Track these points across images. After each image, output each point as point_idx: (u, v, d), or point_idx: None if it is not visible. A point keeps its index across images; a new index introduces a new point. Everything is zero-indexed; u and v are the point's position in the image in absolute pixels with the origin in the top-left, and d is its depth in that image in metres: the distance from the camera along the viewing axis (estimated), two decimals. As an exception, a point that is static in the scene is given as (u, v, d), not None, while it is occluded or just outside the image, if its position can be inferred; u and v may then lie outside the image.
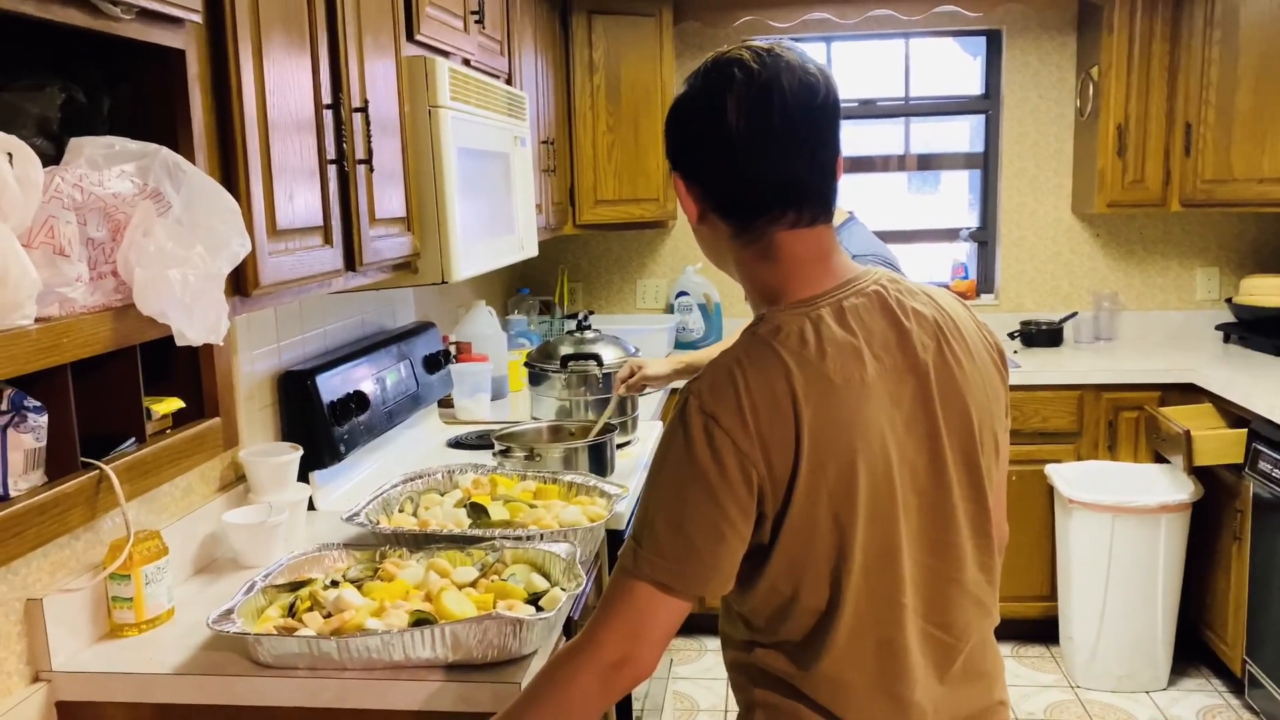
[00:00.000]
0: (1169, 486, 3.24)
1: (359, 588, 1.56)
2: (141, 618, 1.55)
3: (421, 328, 2.85)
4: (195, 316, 1.14)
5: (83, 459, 1.07)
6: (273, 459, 1.93)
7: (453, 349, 3.14)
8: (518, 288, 4.11)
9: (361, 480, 2.30)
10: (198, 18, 1.21)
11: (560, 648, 1.17)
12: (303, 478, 2.06)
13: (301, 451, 1.98)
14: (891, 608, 1.11)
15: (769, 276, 1.14)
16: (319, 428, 2.11)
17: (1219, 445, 3.06)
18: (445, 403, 3.01)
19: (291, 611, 1.49)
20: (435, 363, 2.76)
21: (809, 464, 1.05)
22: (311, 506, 2.11)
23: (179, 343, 1.14)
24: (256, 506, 1.87)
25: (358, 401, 2.22)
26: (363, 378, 2.32)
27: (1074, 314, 3.94)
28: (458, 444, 2.70)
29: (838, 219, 2.01)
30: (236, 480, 1.97)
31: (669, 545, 1.07)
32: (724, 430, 1.04)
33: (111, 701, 1.43)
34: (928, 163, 4.27)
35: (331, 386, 2.17)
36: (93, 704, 1.43)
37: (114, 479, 1.06)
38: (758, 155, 1.08)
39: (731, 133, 1.07)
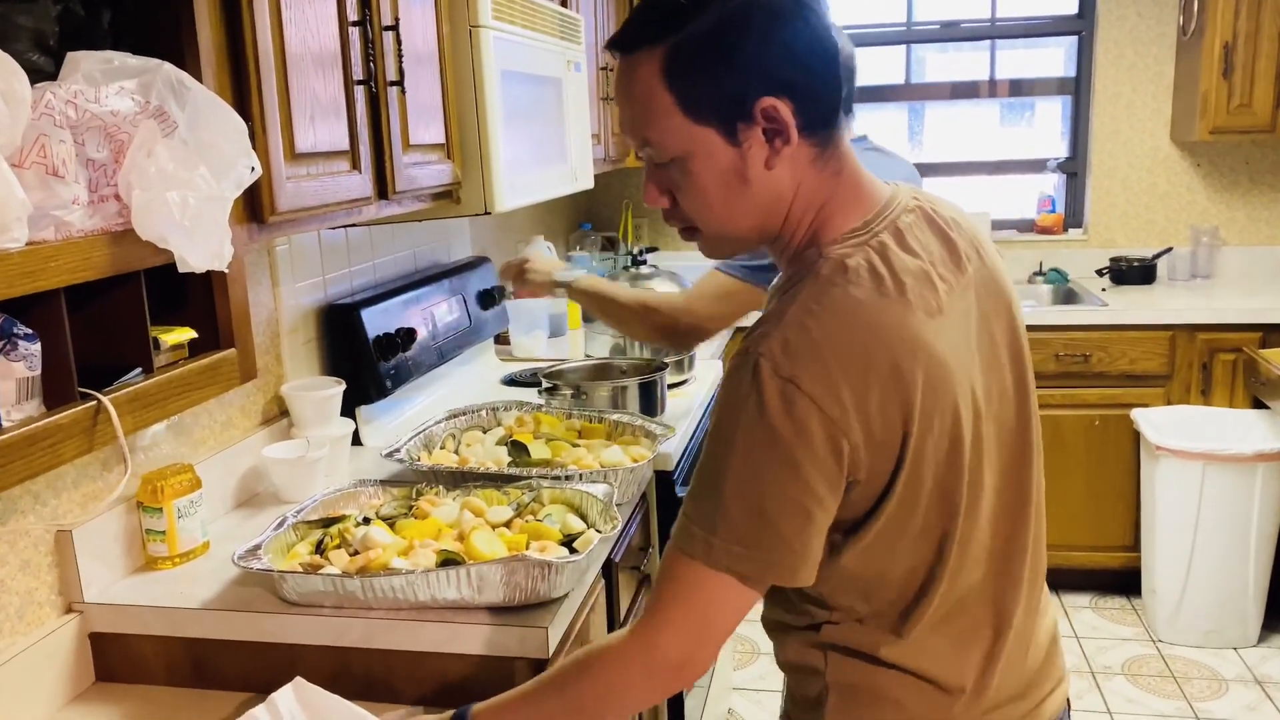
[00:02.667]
0: (1267, 433, 3.04)
1: (392, 525, 1.52)
2: (175, 551, 1.53)
3: (477, 262, 2.79)
4: (197, 241, 1.09)
5: (80, 389, 1.03)
6: (315, 393, 1.90)
7: (509, 284, 3.08)
8: (580, 223, 4.03)
9: (411, 415, 2.27)
10: (200, -77, 1.14)
11: (604, 641, 1.03)
12: (350, 413, 2.03)
13: (344, 386, 1.95)
14: (982, 554, 1.02)
15: (830, 198, 0.99)
16: (364, 363, 2.08)
17: (1324, 390, 2.85)
18: (502, 339, 2.96)
19: (320, 549, 1.46)
20: (490, 298, 2.71)
21: (920, 422, 0.92)
22: (359, 441, 2.09)
23: (181, 269, 1.09)
24: (296, 441, 1.84)
25: (405, 337, 2.17)
26: (412, 313, 2.28)
27: (1169, 249, 3.70)
28: (512, 381, 2.66)
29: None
30: (280, 414, 1.95)
31: (748, 531, 0.93)
32: (807, 396, 0.89)
33: (143, 634, 1.42)
34: (1017, 89, 4.02)
35: (378, 321, 2.13)
36: (124, 636, 1.42)
37: (111, 410, 1.02)
38: (835, 46, 0.97)
39: (818, 24, 0.95)
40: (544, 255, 2.27)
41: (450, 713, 1.10)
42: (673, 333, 1.92)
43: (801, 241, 1.01)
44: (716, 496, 0.94)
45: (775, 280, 1.06)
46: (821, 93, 0.96)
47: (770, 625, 1.15)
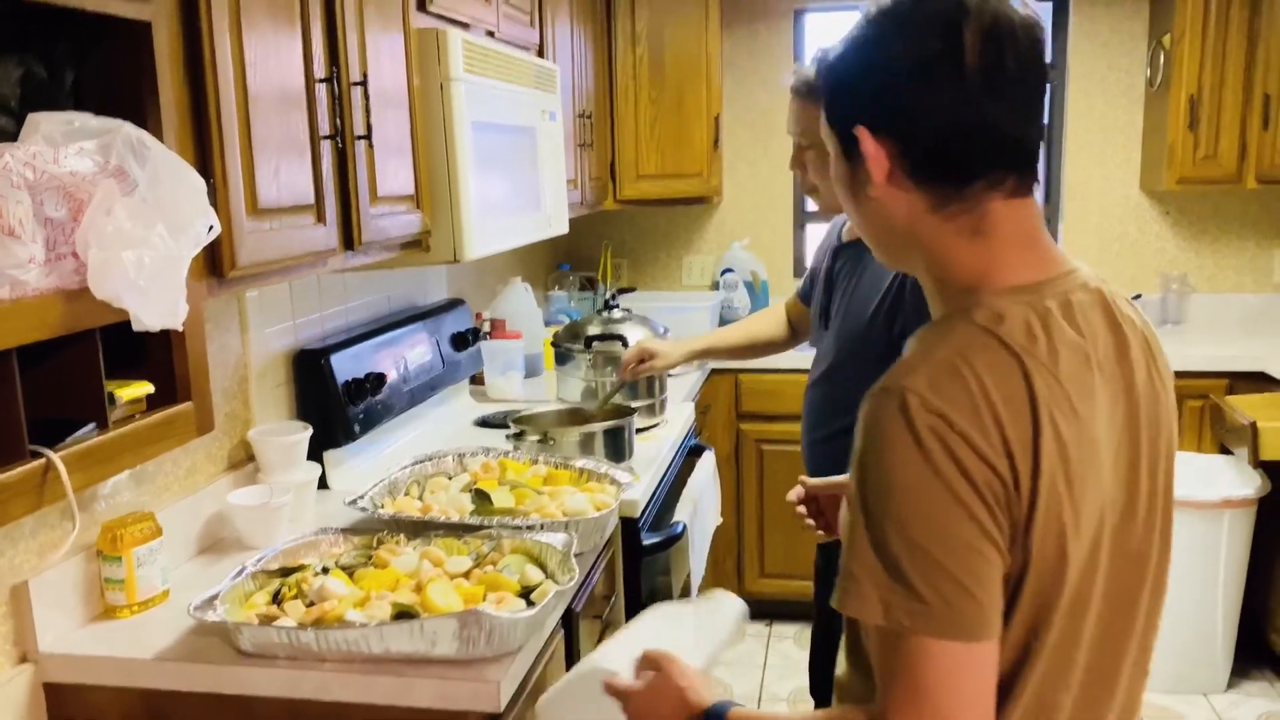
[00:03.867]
0: (1233, 480, 3.06)
1: (351, 575, 1.53)
2: (133, 599, 1.53)
3: (452, 304, 2.81)
4: (152, 300, 1.10)
5: (31, 446, 1.04)
6: (281, 439, 1.91)
7: (486, 325, 3.10)
8: (559, 263, 4.06)
9: (382, 458, 2.28)
10: (165, -11, 1.17)
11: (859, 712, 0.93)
12: (317, 456, 2.04)
13: (310, 431, 1.96)
14: (1074, 676, 0.94)
15: (971, 259, 0.93)
16: (333, 407, 2.09)
17: (1288, 439, 2.88)
18: (478, 379, 2.97)
19: (277, 599, 1.47)
20: (464, 340, 2.72)
21: (1048, 488, 0.86)
22: (327, 486, 2.10)
23: (135, 327, 1.10)
24: (261, 487, 1.85)
25: (375, 381, 2.19)
26: (383, 356, 2.29)
27: (1139, 296, 3.74)
28: (485, 423, 2.67)
29: None
30: (246, 459, 1.96)
31: (923, 581, 0.84)
32: (959, 434, 0.84)
33: (98, 685, 1.42)
34: (988, 136, 4.10)
35: (347, 366, 2.14)
36: (80, 686, 1.42)
37: (61, 468, 1.03)
38: (993, 100, 0.88)
39: (965, 71, 0.87)
40: (658, 341, 2.45)
41: (710, 704, 1.05)
42: (783, 346, 2.38)
43: (957, 287, 0.95)
44: (882, 548, 0.85)
45: (920, 329, 0.99)
46: (937, 145, 0.91)
47: (844, 689, 1.07)
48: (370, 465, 2.23)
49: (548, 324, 3.45)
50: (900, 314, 1.73)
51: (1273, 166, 3.29)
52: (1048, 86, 0.94)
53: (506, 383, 2.96)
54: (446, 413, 2.70)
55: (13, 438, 1.02)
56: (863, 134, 0.92)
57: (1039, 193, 0.95)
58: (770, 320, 2.38)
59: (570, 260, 4.11)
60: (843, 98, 0.95)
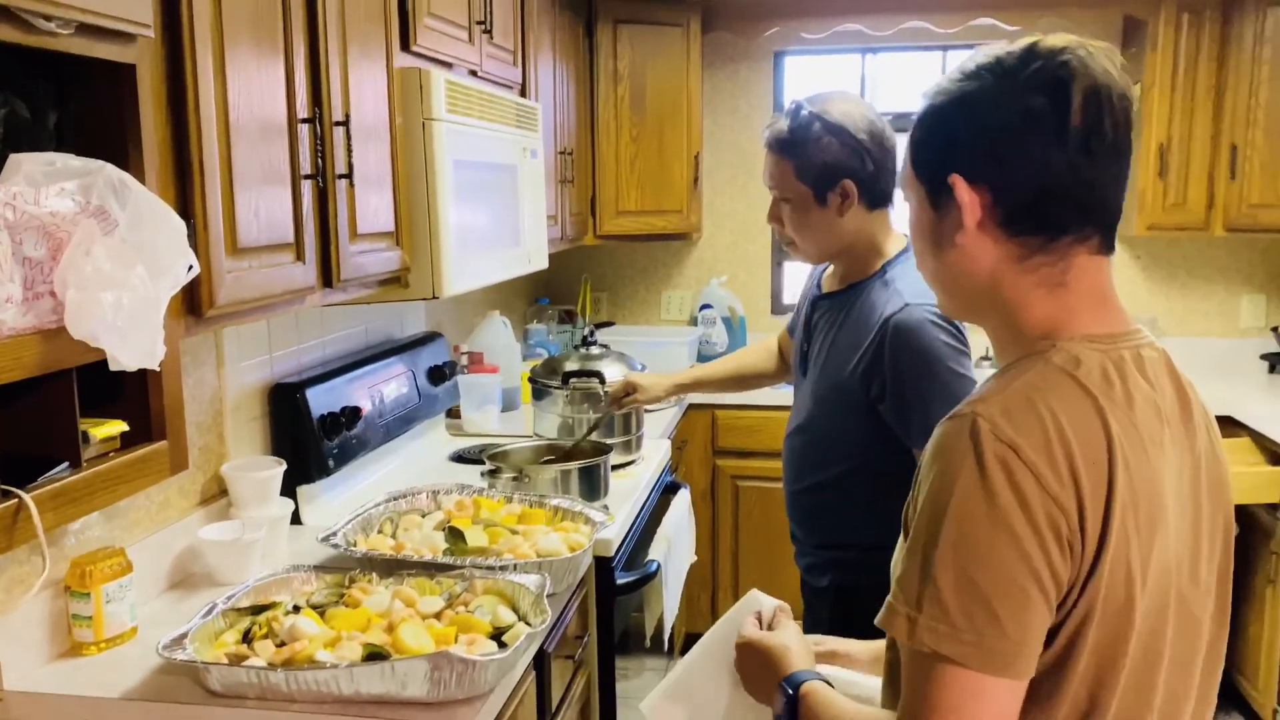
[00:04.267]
0: (1202, 524, 3.10)
1: (323, 613, 1.52)
2: (101, 636, 1.52)
3: (429, 338, 2.82)
4: (130, 340, 1.11)
5: (2, 486, 1.04)
6: (254, 474, 1.90)
7: (463, 359, 3.11)
8: (537, 297, 4.08)
9: (356, 493, 2.27)
10: (150, 32, 1.18)
11: None
12: (290, 492, 2.03)
13: (284, 467, 1.95)
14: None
15: (1048, 310, 0.95)
16: (308, 442, 2.09)
17: (1255, 483, 2.92)
18: (454, 413, 2.97)
19: (247, 638, 1.46)
20: (440, 374, 2.73)
21: (1118, 531, 0.85)
22: (300, 521, 2.09)
23: (112, 367, 1.10)
24: (233, 523, 1.84)
25: (350, 415, 2.19)
26: (358, 390, 2.29)
27: (1110, 339, 3.80)
28: (460, 458, 2.67)
29: (895, 247, 1.83)
30: (219, 494, 1.95)
31: (958, 607, 0.84)
32: (1027, 465, 0.83)
33: (62, 723, 1.40)
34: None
35: (323, 400, 2.14)
36: (43, 725, 1.41)
37: (33, 508, 1.03)
38: (1089, 160, 0.91)
39: (1068, 132, 0.90)
40: (643, 375, 2.47)
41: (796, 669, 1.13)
42: (774, 378, 2.37)
43: (1031, 335, 0.96)
44: (926, 567, 0.86)
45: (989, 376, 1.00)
46: (1034, 199, 0.93)
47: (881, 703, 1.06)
48: (344, 500, 2.22)
49: (525, 358, 3.46)
50: (878, 376, 1.70)
51: (1239, 215, 3.36)
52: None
53: (483, 417, 2.96)
54: (422, 447, 2.69)
55: (-16, 477, 1.02)
56: (958, 182, 0.94)
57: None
58: (761, 352, 2.37)
59: (549, 294, 4.12)
60: (937, 146, 0.97)
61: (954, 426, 0.88)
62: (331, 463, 2.13)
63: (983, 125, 0.93)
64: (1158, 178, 3.44)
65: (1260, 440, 3.06)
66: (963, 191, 0.94)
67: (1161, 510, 0.89)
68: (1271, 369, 3.66)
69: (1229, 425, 3.21)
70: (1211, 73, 3.37)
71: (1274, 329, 3.63)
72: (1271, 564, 2.90)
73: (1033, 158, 0.91)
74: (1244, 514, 3.05)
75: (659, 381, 2.39)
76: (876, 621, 0.91)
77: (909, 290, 1.71)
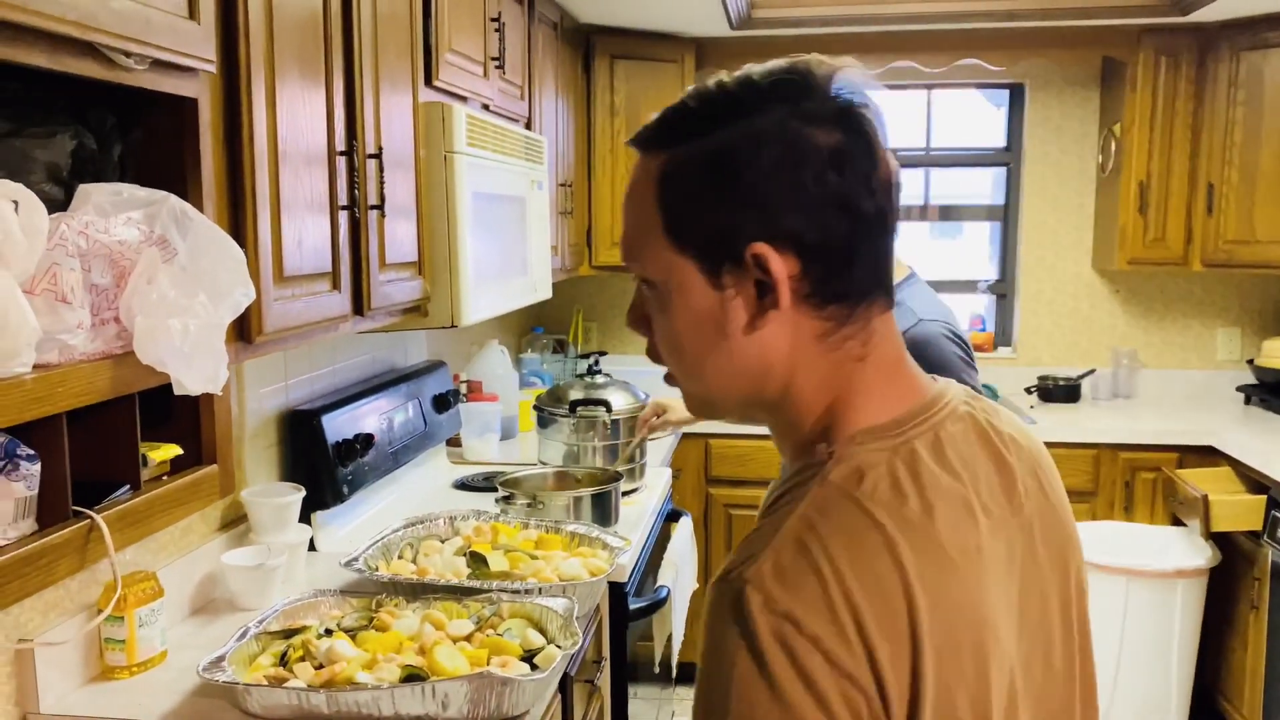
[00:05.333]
0: (1186, 551, 3.18)
1: (353, 637, 1.54)
2: (133, 660, 1.53)
3: (432, 366, 2.85)
4: (194, 366, 1.14)
5: (74, 508, 1.06)
6: (274, 500, 1.92)
7: (463, 388, 3.13)
8: (532, 326, 4.11)
9: (365, 520, 2.29)
10: (212, 67, 1.22)
11: None
12: (305, 518, 2.05)
13: (303, 493, 1.97)
14: None
15: (832, 395, 0.79)
16: (323, 468, 2.10)
17: (1237, 511, 3.00)
18: (454, 441, 2.99)
19: (283, 660, 1.48)
20: (444, 402, 2.76)
21: (934, 682, 0.70)
22: (313, 547, 2.10)
23: (177, 391, 1.13)
24: (255, 548, 1.86)
25: (364, 442, 2.21)
26: (370, 417, 2.32)
27: (1092, 370, 3.90)
28: (463, 485, 2.69)
29: (898, 274, 1.83)
30: (238, 519, 1.96)
31: None
32: (809, 640, 0.68)
33: (98, 747, 1.41)
34: (949, 213, 4.28)
35: (338, 426, 2.16)
36: (78, 748, 1.41)
37: (104, 529, 1.05)
38: (891, 204, 0.78)
39: (877, 173, 0.76)
40: (670, 398, 2.46)
41: None
42: None
43: (811, 430, 0.80)
44: None
45: (773, 484, 0.86)
46: (839, 255, 0.76)
47: None
48: (355, 527, 2.24)
49: (520, 387, 3.49)
50: None
51: (1216, 251, 3.47)
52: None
53: (484, 445, 2.98)
54: (424, 474, 2.71)
55: (58, 499, 1.04)
56: (765, 252, 0.75)
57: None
58: None
59: (542, 323, 4.16)
60: (714, 210, 0.77)
61: (723, 593, 0.72)
62: (346, 489, 2.15)
63: (790, 174, 0.75)
64: (1138, 213, 3.55)
65: (1239, 469, 3.15)
66: (776, 263, 0.75)
67: (990, 630, 0.75)
68: (1247, 400, 3.77)
69: (1210, 454, 3.30)
70: (1189, 112, 3.50)
71: (1249, 361, 3.74)
72: (1254, 590, 2.98)
73: (849, 207, 0.75)
74: (1227, 541, 3.13)
75: (682, 406, 2.42)
76: None
77: (921, 307, 1.80)
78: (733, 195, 0.75)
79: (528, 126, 2.76)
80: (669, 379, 0.87)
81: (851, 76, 0.76)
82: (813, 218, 0.75)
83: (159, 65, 1.13)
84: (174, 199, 1.18)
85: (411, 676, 1.40)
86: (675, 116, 0.79)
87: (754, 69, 0.78)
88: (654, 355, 0.86)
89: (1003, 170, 4.12)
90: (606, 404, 2.60)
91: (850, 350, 0.79)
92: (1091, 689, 0.88)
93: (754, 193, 0.75)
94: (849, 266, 0.77)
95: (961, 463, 0.78)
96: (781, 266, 0.75)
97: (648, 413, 2.41)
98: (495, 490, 2.25)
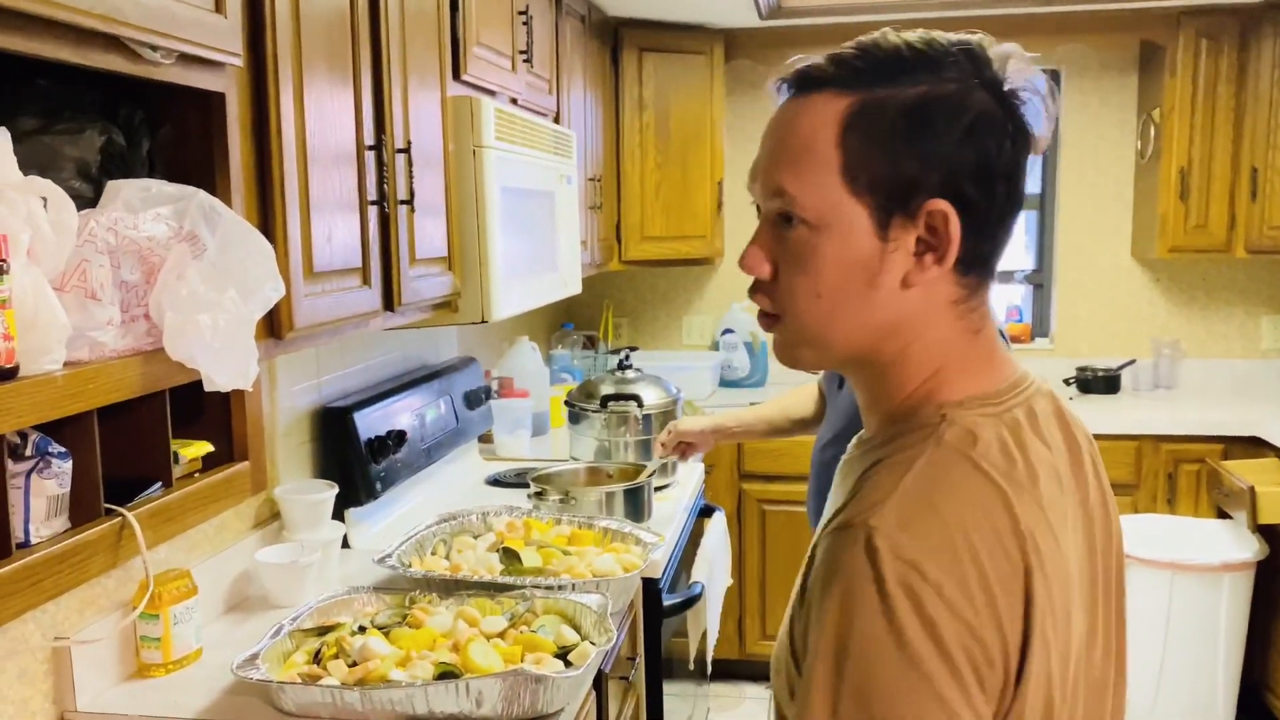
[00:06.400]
0: (1232, 544, 3.11)
1: (387, 634, 1.53)
2: (169, 658, 1.53)
3: (463, 363, 2.84)
4: (224, 361, 1.13)
5: (106, 505, 1.05)
6: (307, 497, 1.92)
7: (494, 384, 3.13)
8: (562, 322, 4.10)
9: (398, 517, 2.28)
10: (239, 61, 1.21)
11: None
12: (338, 514, 2.05)
13: (336, 490, 1.97)
14: None
15: (961, 357, 0.82)
16: (356, 465, 2.10)
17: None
18: (485, 438, 2.99)
19: (317, 658, 1.47)
20: (476, 398, 2.75)
21: (1040, 637, 0.73)
22: (346, 544, 2.10)
23: (207, 388, 1.12)
24: (289, 545, 1.86)
25: (396, 439, 2.21)
26: (402, 414, 2.31)
27: (1132, 361, 3.82)
28: (496, 481, 2.68)
29: None
30: (271, 517, 1.96)
31: None
32: (933, 587, 0.70)
33: (134, 744, 1.41)
34: (982, 203, 4.22)
35: (370, 423, 2.16)
36: (116, 746, 1.42)
37: (136, 526, 1.05)
38: (1022, 193, 0.82)
39: (1021, 159, 0.80)
40: (688, 421, 2.45)
41: None
42: (816, 424, 2.22)
43: (911, 396, 0.82)
44: (827, 713, 0.71)
45: (860, 436, 0.89)
46: (993, 227, 0.80)
47: None
48: (389, 524, 2.24)
49: (551, 383, 3.48)
50: None
51: (1260, 237, 3.39)
52: None
53: (515, 441, 2.98)
54: (457, 471, 2.71)
55: (89, 497, 1.04)
56: (942, 207, 0.77)
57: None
58: (802, 396, 2.34)
59: (572, 319, 4.15)
60: (904, 161, 0.79)
61: (846, 541, 0.74)
62: (379, 486, 2.14)
63: (967, 138, 0.77)
64: (1179, 200, 3.48)
65: (1288, 460, 3.08)
66: (954, 223, 0.77)
67: (1072, 598, 0.78)
68: (1293, 389, 3.69)
69: (1255, 445, 3.23)
70: (1230, 95, 3.42)
71: (1295, 350, 3.66)
72: (1303, 583, 2.91)
73: (1009, 188, 0.79)
74: (1274, 534, 3.06)
75: (695, 423, 2.40)
76: None
77: None
78: (925, 148, 0.77)
79: (556, 120, 2.75)
80: (767, 321, 0.86)
81: (1018, 58, 0.79)
82: (986, 186, 0.78)
83: (185, 59, 1.12)
84: (202, 194, 1.18)
85: (445, 674, 1.39)
86: (866, 61, 0.80)
87: (935, 33, 0.80)
88: (765, 294, 0.85)
89: (1038, 159, 4.04)
90: (638, 399, 2.58)
91: (972, 321, 0.82)
92: (1123, 674, 0.90)
93: (944, 150, 0.77)
94: (995, 239, 0.81)
95: (1050, 436, 0.82)
96: (957, 226, 0.77)
97: (663, 436, 2.39)
98: (528, 486, 2.23)
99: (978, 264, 0.80)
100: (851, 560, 0.72)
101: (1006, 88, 0.78)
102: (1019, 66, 0.79)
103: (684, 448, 2.38)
